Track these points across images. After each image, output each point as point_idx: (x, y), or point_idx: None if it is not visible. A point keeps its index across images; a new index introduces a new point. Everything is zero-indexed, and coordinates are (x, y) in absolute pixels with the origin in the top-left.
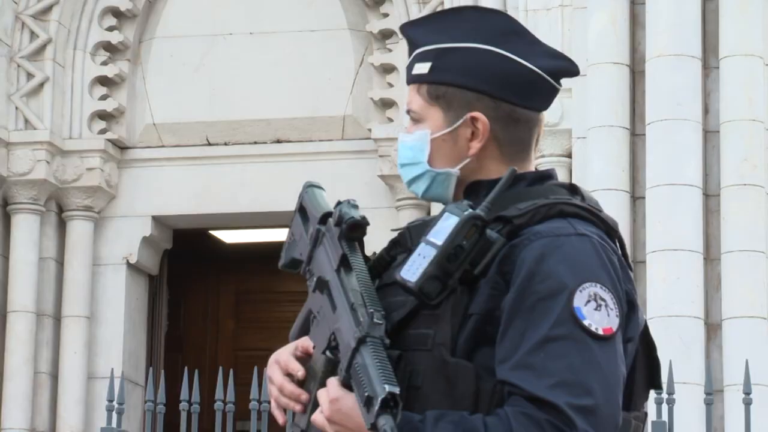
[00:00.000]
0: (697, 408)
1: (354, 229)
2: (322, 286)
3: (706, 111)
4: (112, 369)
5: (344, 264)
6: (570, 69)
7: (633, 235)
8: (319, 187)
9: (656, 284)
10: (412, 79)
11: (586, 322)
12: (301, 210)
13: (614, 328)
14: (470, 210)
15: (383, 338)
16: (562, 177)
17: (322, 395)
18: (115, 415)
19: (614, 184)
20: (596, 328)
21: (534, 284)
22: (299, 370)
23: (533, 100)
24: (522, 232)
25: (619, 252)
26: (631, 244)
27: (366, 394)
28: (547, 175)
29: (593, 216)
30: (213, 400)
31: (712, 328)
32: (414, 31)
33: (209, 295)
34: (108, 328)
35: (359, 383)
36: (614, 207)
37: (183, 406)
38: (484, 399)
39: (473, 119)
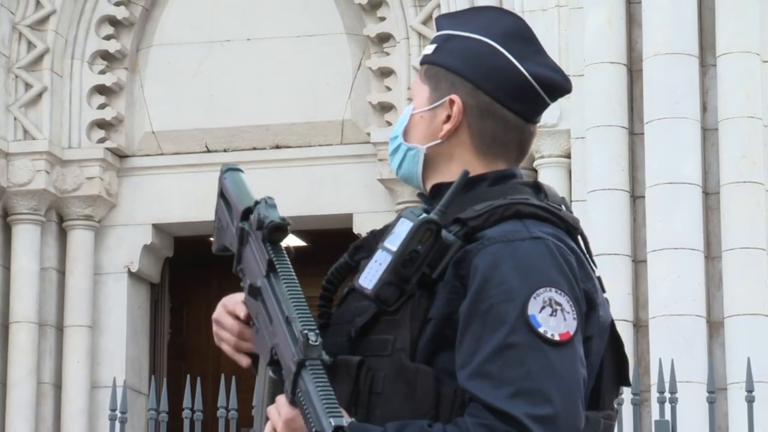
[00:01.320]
0: (700, 406)
1: (275, 232)
2: (255, 293)
3: (704, 109)
4: (115, 378)
5: (272, 269)
6: (561, 84)
7: (633, 234)
8: (239, 170)
9: (657, 283)
10: (420, 61)
11: (541, 330)
12: (223, 196)
13: (572, 332)
14: (424, 214)
15: (321, 356)
16: (561, 177)
17: (273, 413)
18: (118, 424)
19: (614, 184)
20: (552, 335)
21: (488, 289)
22: (243, 311)
23: (514, 102)
24: (477, 235)
25: (579, 251)
26: (632, 244)
27: (314, 429)
28: (510, 174)
29: (552, 215)
30: (216, 408)
31: (714, 326)
32: (441, 21)
33: (211, 302)
34: (110, 337)
35: (305, 415)
36: (614, 206)
37: (186, 414)
38: (445, 403)
39: (451, 102)
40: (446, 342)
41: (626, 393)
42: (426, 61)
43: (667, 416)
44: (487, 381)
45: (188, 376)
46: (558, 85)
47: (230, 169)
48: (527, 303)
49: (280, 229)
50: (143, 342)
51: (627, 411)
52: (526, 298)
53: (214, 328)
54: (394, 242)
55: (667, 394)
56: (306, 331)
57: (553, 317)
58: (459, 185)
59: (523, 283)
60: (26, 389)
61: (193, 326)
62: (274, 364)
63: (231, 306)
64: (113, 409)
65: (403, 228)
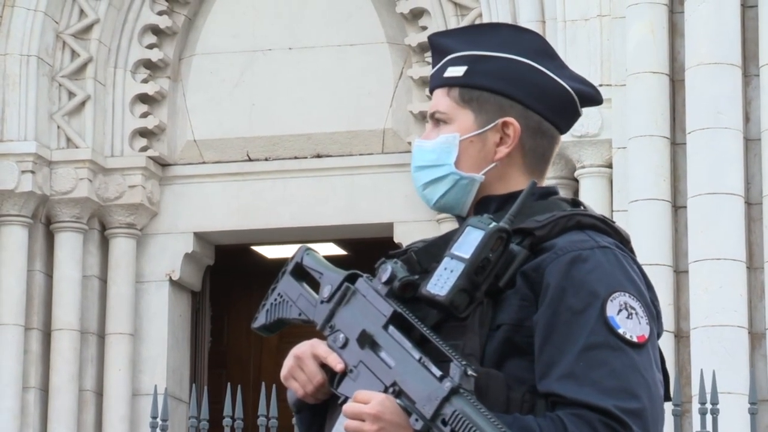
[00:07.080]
0: (742, 418)
1: (406, 289)
2: (364, 342)
3: (747, 119)
4: (156, 386)
5: (396, 321)
6: (594, 96)
7: (675, 244)
8: (316, 251)
9: (699, 294)
10: (443, 82)
11: (620, 331)
12: (296, 271)
13: (646, 336)
14: (494, 223)
15: (473, 390)
16: (603, 187)
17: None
18: None
19: (655, 194)
20: (631, 336)
21: (566, 299)
22: (340, 365)
23: (559, 118)
24: (544, 245)
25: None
26: (674, 254)
27: None
28: (553, 191)
29: (608, 227)
30: (256, 416)
31: (756, 337)
32: (446, 40)
33: (252, 311)
34: (151, 345)
35: (467, 429)
36: (656, 217)
37: (226, 422)
38: (514, 408)
39: (505, 124)
40: (515, 349)
41: (667, 404)
42: (459, 83)
43: (709, 427)
44: (574, 381)
45: (229, 384)
46: (591, 97)
47: (309, 249)
48: (605, 305)
49: (411, 286)
50: (184, 350)
51: (668, 422)
52: (603, 301)
53: (292, 361)
54: (464, 250)
55: (709, 406)
56: (465, 364)
57: (629, 320)
58: (528, 195)
59: (599, 287)
60: (68, 396)
61: (234, 335)
62: (397, 394)
63: (323, 354)
64: (154, 417)
65: (474, 236)
